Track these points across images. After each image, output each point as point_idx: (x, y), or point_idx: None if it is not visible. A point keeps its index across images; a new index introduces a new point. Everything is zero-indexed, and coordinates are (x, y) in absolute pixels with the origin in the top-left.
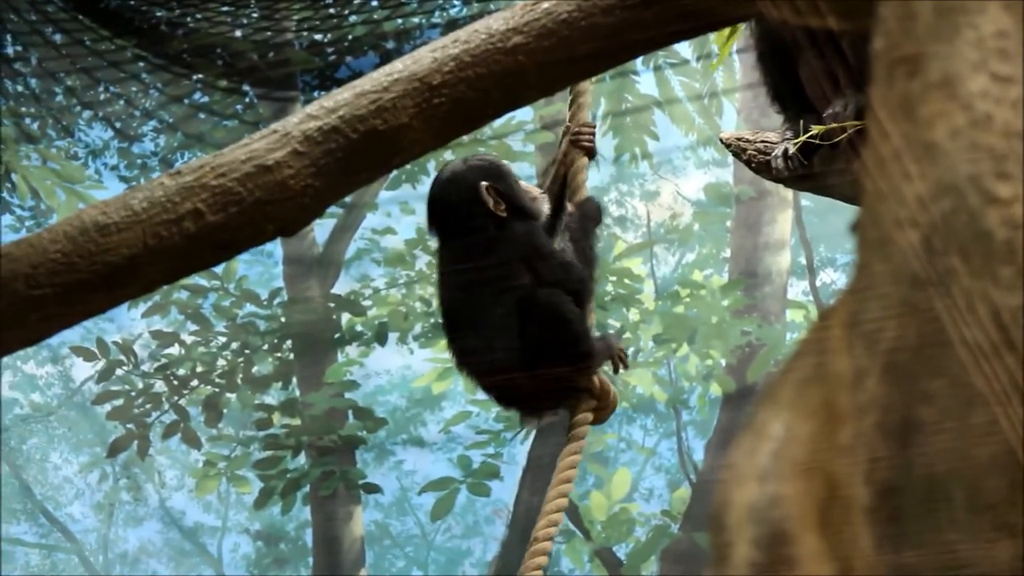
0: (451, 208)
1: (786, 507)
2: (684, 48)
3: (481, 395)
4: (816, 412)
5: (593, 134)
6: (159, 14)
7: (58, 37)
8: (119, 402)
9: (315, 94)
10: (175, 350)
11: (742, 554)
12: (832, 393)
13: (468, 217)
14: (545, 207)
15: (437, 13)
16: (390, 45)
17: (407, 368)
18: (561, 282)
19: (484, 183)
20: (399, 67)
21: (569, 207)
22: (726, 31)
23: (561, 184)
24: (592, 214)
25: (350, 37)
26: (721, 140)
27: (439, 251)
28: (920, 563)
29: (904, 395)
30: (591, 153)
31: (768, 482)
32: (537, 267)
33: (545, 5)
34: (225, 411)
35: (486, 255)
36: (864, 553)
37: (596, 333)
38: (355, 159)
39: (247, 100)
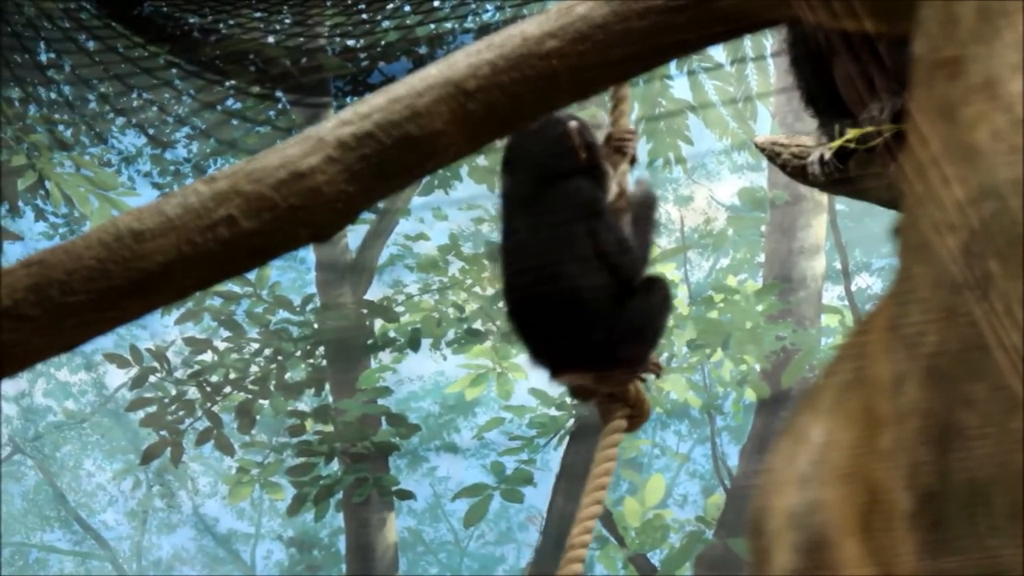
0: (534, 145)
1: (826, 512)
2: (718, 52)
3: (514, 401)
4: (856, 417)
5: (635, 140)
6: (192, 21)
7: (91, 44)
8: (152, 409)
9: (348, 100)
10: (208, 357)
11: (782, 560)
12: (872, 398)
13: (551, 154)
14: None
15: (470, 18)
16: (423, 50)
17: (440, 374)
18: (612, 253)
19: (573, 123)
20: (433, 72)
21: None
22: None
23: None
24: (649, 200)
25: (383, 43)
26: (756, 144)
27: (506, 194)
28: (961, 569)
29: (945, 400)
30: (633, 159)
31: (808, 487)
32: (595, 228)
33: (579, 9)
34: (258, 418)
35: (561, 198)
36: (905, 559)
37: None
38: (389, 164)
39: (280, 106)
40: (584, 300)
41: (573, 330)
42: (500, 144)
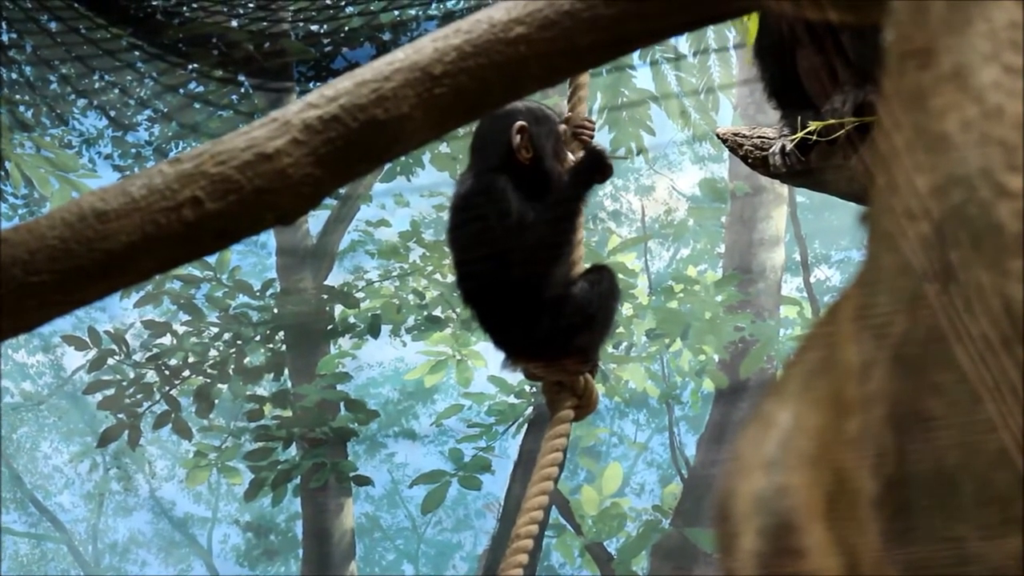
0: (485, 135)
1: (793, 498)
2: (681, 43)
3: (474, 388)
4: (823, 403)
5: (593, 129)
6: (155, 3)
7: (53, 25)
8: (110, 392)
9: (311, 85)
10: (167, 340)
11: (748, 545)
12: (840, 384)
13: (494, 149)
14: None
15: (434, 5)
16: (387, 36)
17: (400, 360)
18: (528, 248)
19: (522, 123)
20: (400, 56)
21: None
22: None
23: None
24: (593, 164)
25: (347, 28)
26: (718, 135)
27: (461, 175)
28: (928, 557)
29: (912, 387)
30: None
31: (775, 472)
32: (511, 226)
33: None
34: (216, 402)
35: (485, 192)
36: (871, 546)
37: None
38: (355, 148)
39: (242, 90)
40: (521, 291)
41: (515, 319)
42: (464, 131)
